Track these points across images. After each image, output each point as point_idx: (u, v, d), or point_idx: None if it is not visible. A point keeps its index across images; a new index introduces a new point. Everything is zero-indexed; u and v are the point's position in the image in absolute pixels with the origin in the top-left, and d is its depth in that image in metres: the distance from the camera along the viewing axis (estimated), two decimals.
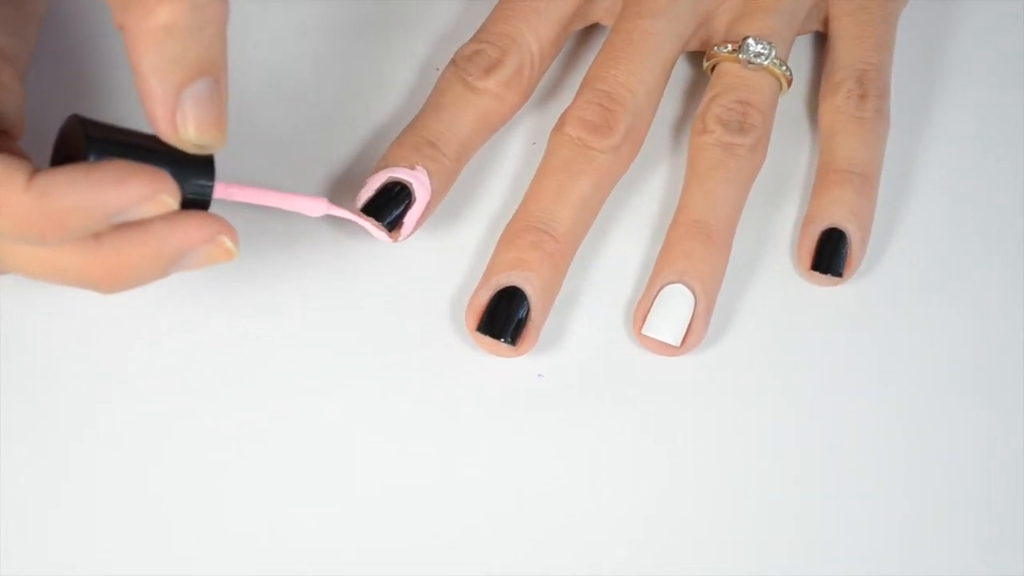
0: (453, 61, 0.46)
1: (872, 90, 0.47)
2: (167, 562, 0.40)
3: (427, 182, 0.44)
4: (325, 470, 0.41)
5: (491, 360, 0.43)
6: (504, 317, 0.43)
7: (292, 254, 0.44)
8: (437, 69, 0.48)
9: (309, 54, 0.48)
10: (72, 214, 0.34)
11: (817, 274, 0.46)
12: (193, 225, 0.36)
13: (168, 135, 0.36)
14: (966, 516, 0.43)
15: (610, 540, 0.41)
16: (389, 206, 0.43)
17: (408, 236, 0.44)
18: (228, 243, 0.37)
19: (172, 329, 0.43)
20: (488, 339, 0.43)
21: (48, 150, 0.38)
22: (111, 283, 0.37)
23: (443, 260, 0.45)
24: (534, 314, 0.43)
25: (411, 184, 0.43)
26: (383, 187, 0.44)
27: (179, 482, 0.41)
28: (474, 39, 0.46)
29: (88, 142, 0.36)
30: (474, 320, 0.43)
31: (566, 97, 0.47)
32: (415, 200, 0.43)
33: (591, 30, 0.50)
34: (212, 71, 0.35)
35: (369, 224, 0.43)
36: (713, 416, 0.44)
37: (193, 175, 0.37)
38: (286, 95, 0.47)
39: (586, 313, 0.45)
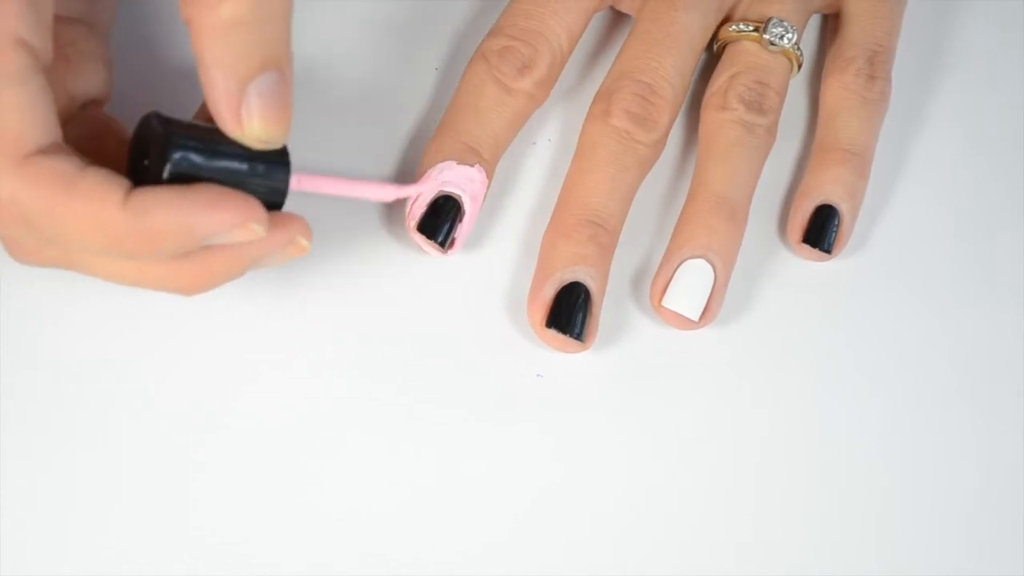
0: (483, 57, 0.45)
1: (881, 72, 0.48)
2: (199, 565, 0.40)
3: (485, 180, 0.44)
4: (326, 467, 0.41)
5: (490, 360, 0.43)
6: (571, 313, 0.43)
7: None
8: (436, 69, 0.48)
9: (326, 54, 0.48)
10: (166, 234, 0.35)
11: (806, 247, 0.46)
12: (273, 231, 0.37)
13: (232, 130, 0.36)
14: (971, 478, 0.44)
15: (613, 540, 0.41)
16: (441, 221, 0.43)
17: (460, 248, 0.44)
18: (304, 242, 0.38)
19: (214, 331, 0.43)
20: (558, 335, 0.43)
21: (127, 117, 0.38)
22: (194, 289, 0.38)
23: (456, 258, 0.45)
24: (595, 308, 0.43)
25: (460, 197, 0.43)
26: (433, 202, 0.43)
27: (220, 474, 0.41)
28: (501, 32, 0.46)
29: (169, 143, 0.36)
30: (542, 316, 0.43)
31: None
32: (465, 211, 0.43)
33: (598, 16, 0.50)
34: (277, 64, 0.35)
35: (426, 244, 0.43)
36: (720, 408, 0.44)
37: (270, 171, 0.37)
38: (303, 96, 0.47)
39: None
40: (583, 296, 0.43)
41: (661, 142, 0.45)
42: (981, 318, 0.46)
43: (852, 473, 0.43)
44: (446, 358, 0.43)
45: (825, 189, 0.46)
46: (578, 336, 0.43)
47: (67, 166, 0.35)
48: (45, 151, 0.35)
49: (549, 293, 0.43)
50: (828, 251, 0.46)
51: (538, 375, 0.43)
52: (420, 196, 0.43)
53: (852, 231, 0.46)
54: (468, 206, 0.43)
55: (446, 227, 0.43)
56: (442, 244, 0.43)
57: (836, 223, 0.46)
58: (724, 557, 0.42)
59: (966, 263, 0.47)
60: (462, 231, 0.44)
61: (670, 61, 0.45)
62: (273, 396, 0.42)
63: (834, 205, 0.46)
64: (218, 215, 0.35)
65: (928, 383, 0.45)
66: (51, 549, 0.39)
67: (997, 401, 0.45)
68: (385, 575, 0.40)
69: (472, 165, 0.43)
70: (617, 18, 0.50)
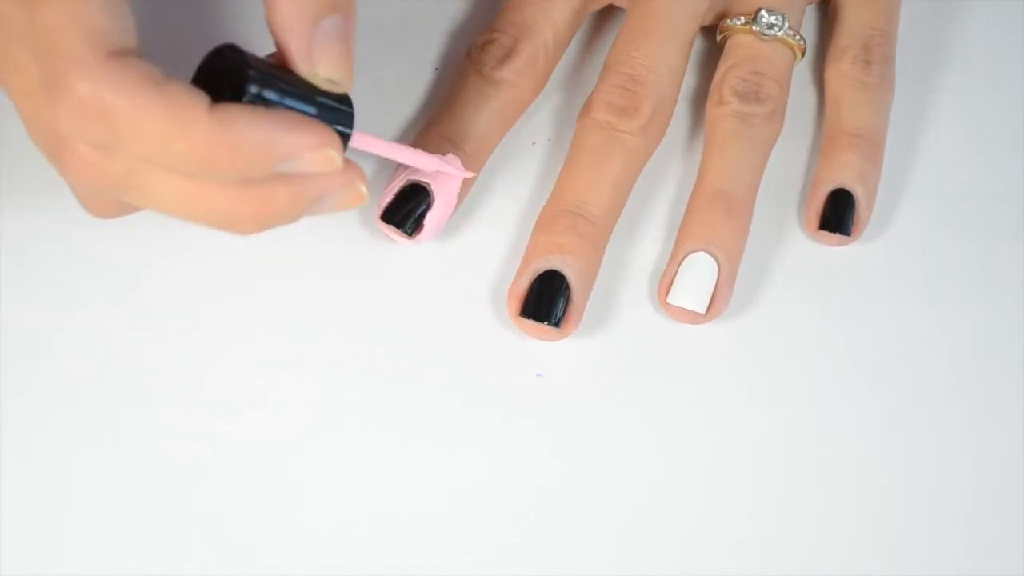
0: (467, 53, 0.46)
1: (877, 56, 0.48)
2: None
3: (460, 167, 0.43)
4: (326, 466, 0.41)
5: (488, 359, 0.43)
6: (546, 301, 0.43)
7: (311, 247, 0.45)
8: (436, 69, 0.48)
9: None
10: (247, 147, 0.35)
11: (825, 233, 0.46)
12: (336, 170, 0.37)
13: (302, 67, 0.36)
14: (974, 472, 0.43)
15: (612, 537, 0.41)
16: (406, 209, 0.44)
17: (435, 233, 0.44)
18: (362, 188, 0.38)
19: (213, 331, 0.43)
20: (533, 323, 0.43)
21: None
22: (250, 224, 0.37)
23: (456, 258, 0.45)
24: (575, 296, 0.43)
25: (428, 186, 0.43)
26: (401, 191, 0.44)
27: (204, 470, 0.41)
28: (487, 29, 0.46)
29: (249, 75, 0.35)
30: (516, 305, 0.43)
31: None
32: (435, 199, 0.43)
33: (606, 13, 0.50)
34: (344, 8, 0.36)
35: (391, 232, 0.44)
36: (719, 405, 0.44)
37: (337, 115, 0.37)
38: None
39: (609, 290, 0.45)
40: (558, 284, 0.43)
41: (650, 130, 0.45)
42: (981, 317, 0.46)
43: (852, 471, 0.43)
44: (445, 357, 0.43)
45: (837, 175, 0.46)
46: (556, 323, 0.43)
47: (153, 69, 0.34)
48: (128, 54, 0.34)
49: (524, 283, 0.43)
50: (847, 234, 0.46)
51: (538, 375, 0.44)
52: (390, 186, 0.44)
53: (869, 215, 0.46)
54: (438, 194, 0.43)
55: (412, 216, 0.43)
56: (409, 233, 0.43)
57: (852, 206, 0.46)
58: (723, 554, 0.41)
59: (966, 263, 0.47)
60: (433, 219, 0.44)
61: (654, 51, 0.46)
62: (273, 397, 0.42)
63: (847, 189, 0.46)
64: (299, 135, 0.35)
65: (928, 381, 0.45)
66: (51, 549, 0.39)
67: (997, 400, 0.45)
68: (384, 574, 0.40)
69: (444, 155, 0.43)
70: (618, 17, 0.50)
